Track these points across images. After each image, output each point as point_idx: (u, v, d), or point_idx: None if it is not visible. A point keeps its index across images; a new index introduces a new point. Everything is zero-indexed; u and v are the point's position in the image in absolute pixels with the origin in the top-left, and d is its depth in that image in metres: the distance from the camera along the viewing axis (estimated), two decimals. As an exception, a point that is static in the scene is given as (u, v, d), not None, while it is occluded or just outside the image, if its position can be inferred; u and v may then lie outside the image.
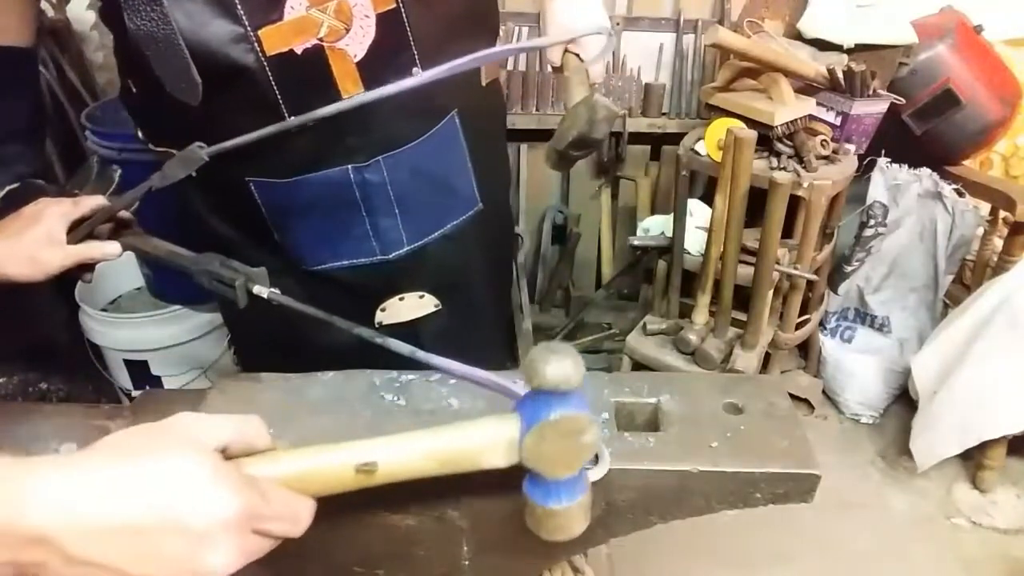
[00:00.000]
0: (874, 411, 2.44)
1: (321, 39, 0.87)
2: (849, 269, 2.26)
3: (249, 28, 0.83)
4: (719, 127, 2.00)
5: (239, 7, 0.82)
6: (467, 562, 0.89)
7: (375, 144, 0.99)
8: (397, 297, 1.12)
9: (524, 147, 2.78)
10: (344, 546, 0.87)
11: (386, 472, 0.62)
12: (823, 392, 2.50)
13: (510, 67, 2.64)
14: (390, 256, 1.07)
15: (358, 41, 0.89)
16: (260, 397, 0.90)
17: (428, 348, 0.80)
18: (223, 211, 1.07)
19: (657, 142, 2.79)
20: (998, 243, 2.32)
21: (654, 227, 2.23)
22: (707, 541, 1.91)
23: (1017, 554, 1.99)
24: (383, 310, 1.14)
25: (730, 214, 1.90)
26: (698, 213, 2.11)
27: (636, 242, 2.21)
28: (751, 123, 1.97)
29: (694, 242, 2.09)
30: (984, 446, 2.09)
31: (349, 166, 0.98)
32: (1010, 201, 2.15)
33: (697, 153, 2.10)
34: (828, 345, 2.49)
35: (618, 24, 2.63)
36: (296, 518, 0.59)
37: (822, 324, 2.48)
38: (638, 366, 2.15)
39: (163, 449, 0.53)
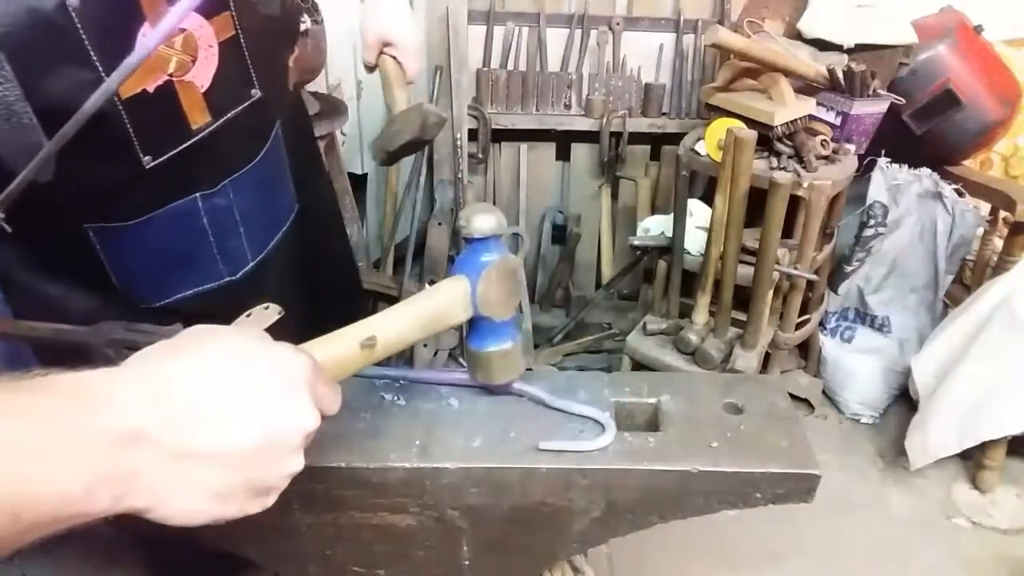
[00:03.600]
0: (874, 411, 2.44)
1: (171, 75, 0.88)
2: (849, 269, 2.26)
3: (103, 73, 0.79)
4: (719, 127, 2.00)
5: (92, 54, 0.78)
6: (467, 562, 0.89)
7: (221, 170, 1.01)
8: (245, 314, 1.13)
9: (524, 147, 2.78)
10: (344, 546, 0.87)
11: (384, 343, 0.71)
12: (823, 392, 2.50)
13: (510, 67, 2.64)
14: (237, 276, 1.07)
15: (203, 71, 0.91)
16: (260, 397, 0.90)
17: None
18: (48, 266, 0.98)
19: (657, 142, 2.79)
20: (998, 243, 2.32)
21: (654, 227, 2.23)
22: (707, 541, 1.91)
23: (1017, 554, 1.99)
24: None
25: (730, 214, 1.90)
26: (698, 213, 2.11)
27: (636, 242, 2.21)
28: (751, 123, 1.97)
29: (694, 242, 2.09)
30: (984, 446, 2.09)
31: (197, 194, 0.98)
32: (1010, 201, 2.15)
33: (697, 153, 2.10)
34: (828, 345, 2.49)
35: (618, 24, 2.63)
36: (336, 392, 0.62)
37: (822, 324, 2.48)
38: (638, 366, 2.15)
39: (223, 333, 0.55)
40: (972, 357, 2.03)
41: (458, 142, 2.54)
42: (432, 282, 2.50)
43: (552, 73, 2.65)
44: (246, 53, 0.96)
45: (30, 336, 0.92)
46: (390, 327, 0.72)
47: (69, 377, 0.47)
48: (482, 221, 0.79)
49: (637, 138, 2.73)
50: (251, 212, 1.07)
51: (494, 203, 2.79)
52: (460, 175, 2.58)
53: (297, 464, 0.55)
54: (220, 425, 0.50)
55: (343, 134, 2.51)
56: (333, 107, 2.27)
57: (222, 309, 1.06)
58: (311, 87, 2.28)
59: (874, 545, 2.00)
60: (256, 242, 1.10)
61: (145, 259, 1.01)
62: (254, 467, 0.52)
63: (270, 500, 0.56)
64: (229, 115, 0.96)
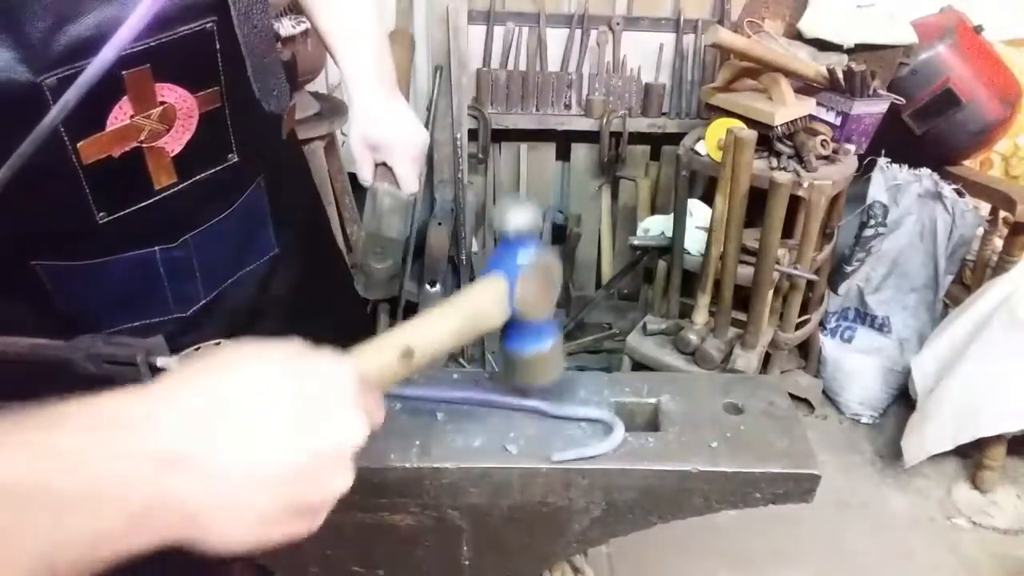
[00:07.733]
0: (874, 411, 2.44)
1: (141, 142, 0.84)
2: (849, 269, 2.26)
3: (67, 142, 0.78)
4: (719, 127, 2.00)
5: (60, 126, 0.75)
6: (467, 562, 0.89)
7: (184, 225, 0.97)
8: (193, 348, 1.06)
9: (524, 147, 2.78)
10: (344, 546, 0.87)
11: (422, 352, 0.66)
12: (823, 392, 2.50)
13: (510, 67, 2.64)
14: (188, 313, 1.04)
15: (177, 138, 0.88)
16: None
17: None
18: None
19: (657, 142, 2.79)
20: (998, 243, 2.32)
21: (654, 227, 2.23)
22: (707, 541, 1.91)
23: (1017, 554, 1.99)
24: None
25: (730, 214, 1.90)
26: (698, 213, 2.11)
27: (636, 242, 2.21)
28: (751, 123, 1.97)
29: (694, 242, 2.09)
30: (984, 446, 2.09)
31: (156, 248, 0.95)
32: (1010, 201, 2.15)
33: (697, 153, 2.10)
34: (828, 345, 2.49)
35: (618, 24, 2.63)
36: (380, 403, 0.60)
37: (822, 324, 2.48)
38: (638, 366, 2.15)
39: (261, 348, 0.51)
40: (972, 357, 2.03)
41: (458, 142, 2.54)
42: (433, 283, 2.50)
43: (552, 73, 2.65)
44: (228, 123, 0.92)
45: (6, 350, 0.87)
46: (427, 335, 0.67)
47: (96, 405, 0.44)
48: (518, 217, 0.73)
49: (637, 138, 2.73)
50: (213, 261, 1.03)
51: (494, 203, 2.79)
52: (460, 175, 2.58)
53: (346, 481, 0.51)
54: (265, 444, 0.47)
55: (343, 134, 2.51)
56: (333, 107, 2.27)
57: (168, 338, 0.99)
58: (311, 87, 2.28)
59: (874, 545, 2.00)
60: (211, 283, 1.05)
61: (96, 295, 0.97)
62: (301, 486, 0.48)
63: (317, 521, 0.51)
64: (198, 177, 0.92)
